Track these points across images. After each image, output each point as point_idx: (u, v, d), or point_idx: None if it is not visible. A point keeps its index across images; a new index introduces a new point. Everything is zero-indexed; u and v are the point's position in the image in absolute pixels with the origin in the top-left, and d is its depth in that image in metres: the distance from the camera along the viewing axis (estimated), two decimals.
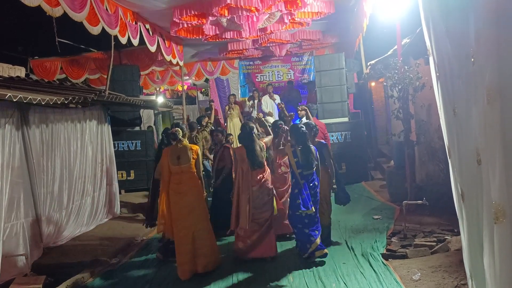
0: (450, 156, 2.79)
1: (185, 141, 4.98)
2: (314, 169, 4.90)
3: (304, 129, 4.97)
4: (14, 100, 4.48)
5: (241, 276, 4.71)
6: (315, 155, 4.87)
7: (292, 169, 4.98)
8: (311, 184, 4.89)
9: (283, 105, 7.70)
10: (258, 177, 4.98)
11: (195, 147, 5.02)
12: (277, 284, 4.41)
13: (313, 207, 4.78)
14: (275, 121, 5.23)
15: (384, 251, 4.95)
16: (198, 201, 4.89)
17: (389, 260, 4.71)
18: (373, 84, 12.11)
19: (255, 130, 5.28)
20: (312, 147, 4.93)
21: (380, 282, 4.16)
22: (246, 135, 5.14)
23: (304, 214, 4.79)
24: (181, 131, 4.94)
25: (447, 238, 4.92)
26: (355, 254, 4.99)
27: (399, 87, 6.39)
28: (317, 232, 4.87)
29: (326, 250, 4.88)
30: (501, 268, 1.89)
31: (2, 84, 5.67)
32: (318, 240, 4.85)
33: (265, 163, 5.15)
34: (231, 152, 6.20)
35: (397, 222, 5.98)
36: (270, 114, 10.43)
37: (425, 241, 4.98)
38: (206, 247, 4.82)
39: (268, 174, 5.13)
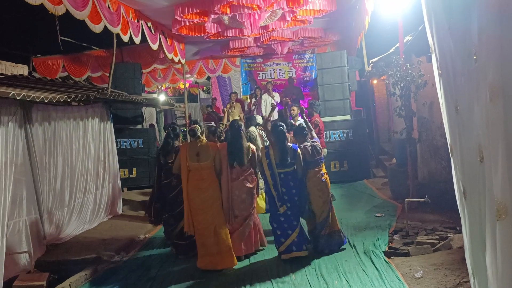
0: (452, 153, 2.79)
1: (204, 138, 5.06)
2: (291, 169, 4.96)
3: (282, 128, 5.00)
4: (18, 98, 4.49)
5: (242, 275, 4.72)
6: (290, 154, 4.93)
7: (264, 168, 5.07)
8: (291, 184, 4.97)
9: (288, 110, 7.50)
10: (236, 175, 5.00)
11: (212, 144, 5.14)
12: (279, 282, 4.42)
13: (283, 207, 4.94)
14: (275, 123, 5.17)
15: (386, 249, 4.95)
16: (217, 196, 5.00)
17: (391, 257, 4.71)
18: (375, 81, 12.10)
19: (244, 127, 5.31)
20: (290, 146, 4.99)
21: (382, 279, 4.16)
22: (233, 132, 5.14)
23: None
24: (199, 127, 5.07)
25: (449, 236, 4.92)
26: (357, 252, 5.00)
27: (401, 84, 6.38)
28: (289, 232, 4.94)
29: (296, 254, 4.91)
30: (503, 265, 1.89)
31: (5, 82, 5.70)
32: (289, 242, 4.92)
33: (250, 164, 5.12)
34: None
35: (399, 220, 5.97)
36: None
37: (427, 239, 4.98)
38: (224, 243, 4.89)
39: (250, 174, 5.10)
